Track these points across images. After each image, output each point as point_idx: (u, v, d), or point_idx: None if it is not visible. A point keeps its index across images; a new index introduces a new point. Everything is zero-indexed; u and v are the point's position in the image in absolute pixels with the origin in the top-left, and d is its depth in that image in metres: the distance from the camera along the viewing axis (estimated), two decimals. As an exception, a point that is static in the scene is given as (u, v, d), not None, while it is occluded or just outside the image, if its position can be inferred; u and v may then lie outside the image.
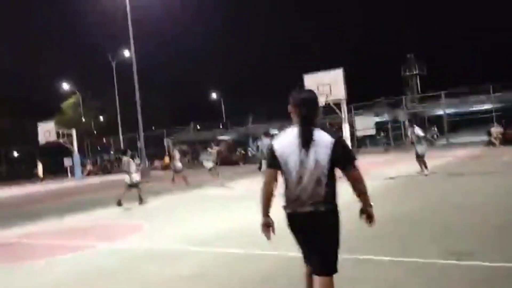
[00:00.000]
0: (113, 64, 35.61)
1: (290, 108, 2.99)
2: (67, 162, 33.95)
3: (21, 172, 42.29)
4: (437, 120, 30.72)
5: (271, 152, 2.96)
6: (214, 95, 56.81)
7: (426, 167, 11.87)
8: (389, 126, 29.93)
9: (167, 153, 37.19)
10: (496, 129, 22.07)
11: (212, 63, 71.71)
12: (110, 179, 27.01)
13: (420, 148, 11.87)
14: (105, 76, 39.48)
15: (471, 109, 29.75)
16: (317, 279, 2.90)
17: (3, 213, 13.32)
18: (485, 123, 25.99)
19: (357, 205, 3.02)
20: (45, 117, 38.38)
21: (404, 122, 28.59)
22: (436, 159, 16.75)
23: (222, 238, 6.54)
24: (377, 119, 29.65)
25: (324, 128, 2.89)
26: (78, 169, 29.98)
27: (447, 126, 27.47)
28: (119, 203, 11.26)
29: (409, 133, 13.05)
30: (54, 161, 38.51)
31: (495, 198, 7.83)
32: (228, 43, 72.52)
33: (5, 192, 23.79)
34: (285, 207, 2.97)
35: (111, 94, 37.40)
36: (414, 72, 48.87)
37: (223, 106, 54.76)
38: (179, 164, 17.01)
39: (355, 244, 5.37)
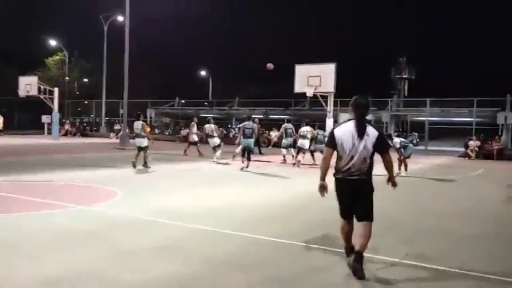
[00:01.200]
0: (105, 28, 34.79)
1: (350, 108, 4.34)
2: (45, 119, 33.26)
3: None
4: (419, 126, 31.14)
5: (332, 136, 4.31)
6: (203, 73, 56.24)
7: (400, 168, 12.37)
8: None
9: (149, 123, 36.89)
10: (474, 142, 22.54)
11: (205, 42, 70.71)
12: (87, 142, 26.70)
13: (405, 150, 12.61)
14: (95, 38, 38.52)
15: (453, 119, 30.22)
16: (362, 224, 4.20)
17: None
18: (464, 134, 26.50)
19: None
20: (28, 70, 37.46)
21: (386, 123, 28.88)
22: (413, 164, 17.05)
23: (195, 214, 6.56)
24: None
25: (372, 125, 4.26)
26: (56, 127, 29.40)
27: (428, 133, 27.89)
28: (134, 165, 11.94)
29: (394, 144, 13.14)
30: (33, 116, 37.70)
31: (463, 206, 8.04)
32: (224, 26, 71.50)
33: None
34: (336, 174, 4.30)
35: (98, 58, 36.61)
36: (404, 76, 49.25)
37: (210, 85, 54.29)
38: (194, 136, 17.25)
39: (326, 236, 5.48)
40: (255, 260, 4.51)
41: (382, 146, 4.28)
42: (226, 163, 14.51)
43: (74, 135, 34.67)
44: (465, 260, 4.68)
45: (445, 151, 25.18)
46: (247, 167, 12.76)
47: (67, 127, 36.11)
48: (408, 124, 32.69)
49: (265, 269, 4.25)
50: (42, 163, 11.21)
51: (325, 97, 20.89)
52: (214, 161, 14.69)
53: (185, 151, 17.24)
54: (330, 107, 20.92)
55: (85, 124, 40.07)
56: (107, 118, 38.27)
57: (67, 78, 45.23)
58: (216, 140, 15.28)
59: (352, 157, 4.18)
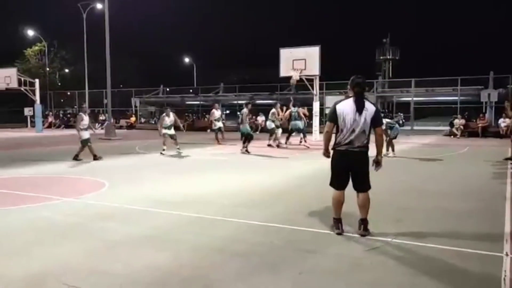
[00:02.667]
0: (84, 16, 34.02)
1: (348, 87, 4.76)
2: (27, 111, 32.66)
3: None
4: (404, 106, 31.33)
5: (334, 111, 4.71)
6: (186, 60, 55.65)
7: (388, 149, 12.35)
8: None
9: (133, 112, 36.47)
10: (459, 121, 22.77)
11: (188, 29, 69.84)
12: (72, 133, 26.27)
13: (392, 132, 12.46)
14: (74, 28, 37.69)
15: (438, 98, 30.46)
16: (362, 195, 4.72)
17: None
18: (449, 113, 26.76)
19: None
20: (6, 62, 36.54)
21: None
22: (400, 144, 17.18)
23: (185, 202, 6.50)
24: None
25: (370, 101, 4.75)
26: (39, 120, 28.91)
27: (413, 113, 28.08)
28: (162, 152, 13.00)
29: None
30: (13, 109, 36.93)
31: (451, 184, 8.11)
32: (206, 11, 70.57)
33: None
34: (337, 147, 4.72)
35: (79, 47, 35.86)
36: (388, 57, 49.40)
37: (194, 72, 53.80)
38: (219, 123, 17.68)
39: (315, 219, 5.47)
40: (247, 246, 4.47)
41: (377, 119, 4.74)
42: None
43: (58, 127, 34.17)
44: (452, 237, 4.71)
45: (431, 131, 25.43)
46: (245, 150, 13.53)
47: (50, 119, 35.56)
48: (393, 104, 32.86)
49: (258, 254, 4.21)
50: (26, 157, 11.00)
51: (311, 81, 20.80)
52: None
53: (216, 138, 17.71)
54: (316, 90, 20.87)
55: (69, 116, 39.46)
56: (91, 108, 37.74)
57: (47, 69, 44.32)
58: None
59: (353, 130, 4.61)
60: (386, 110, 33.84)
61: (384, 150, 12.08)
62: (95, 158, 11.72)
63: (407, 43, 55.95)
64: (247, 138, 13.75)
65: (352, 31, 65.90)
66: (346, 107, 4.67)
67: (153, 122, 36.08)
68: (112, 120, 24.29)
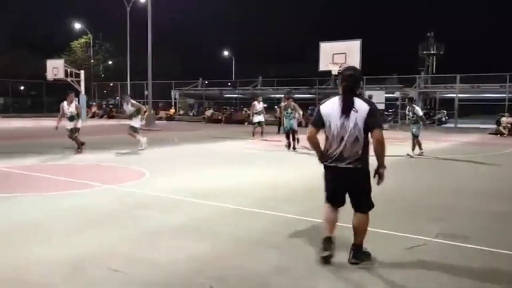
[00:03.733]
0: (128, 9, 34.85)
1: (339, 82, 3.80)
2: (73, 102, 33.88)
3: (26, 106, 42.41)
4: (448, 103, 30.29)
5: (318, 114, 3.76)
6: (225, 53, 56.02)
7: (420, 147, 11.55)
8: (399, 103, 29.57)
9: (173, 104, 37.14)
10: (507, 119, 21.80)
11: (228, 22, 70.19)
12: (114, 123, 27.11)
13: (416, 128, 11.52)
14: (118, 21, 38.71)
15: (484, 95, 29.24)
16: (356, 214, 3.77)
17: (8, 145, 13.40)
18: (496, 111, 25.65)
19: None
20: (55, 54, 38.04)
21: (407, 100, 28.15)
22: (441, 142, 16.66)
23: (222, 193, 6.57)
24: (387, 95, 29.25)
25: (362, 98, 3.67)
26: (83, 110, 29.95)
27: (457, 110, 27.10)
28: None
29: (407, 111, 12.25)
30: (61, 99, 38.43)
31: (494, 184, 7.79)
32: (246, 4, 70.59)
33: (11, 124, 23.92)
34: (326, 161, 3.75)
35: (122, 40, 36.81)
36: (432, 52, 47.82)
37: (233, 66, 54.09)
38: (259, 117, 16.84)
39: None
40: (283, 238, 4.47)
41: (373, 121, 3.57)
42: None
43: (101, 117, 35.30)
44: (496, 239, 4.53)
45: (476, 129, 24.47)
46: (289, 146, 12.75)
47: (94, 109, 36.76)
48: (436, 101, 31.82)
49: (293, 247, 4.21)
50: (71, 145, 11.44)
51: (350, 75, 20.41)
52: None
53: (261, 132, 16.81)
54: (355, 85, 20.46)
55: (111, 106, 40.67)
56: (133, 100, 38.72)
57: (92, 60, 45.79)
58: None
59: (342, 139, 3.61)
60: (428, 107, 32.84)
61: (416, 150, 11.40)
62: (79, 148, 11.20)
63: (453, 37, 53.88)
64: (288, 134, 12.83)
65: (394, 24, 64.19)
66: (333, 107, 3.67)
67: (191, 114, 36.66)
68: (152, 111, 24.83)
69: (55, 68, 29.02)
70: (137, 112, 12.05)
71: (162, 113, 34.52)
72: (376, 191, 3.78)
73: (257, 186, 7.25)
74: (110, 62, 50.41)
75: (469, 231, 4.80)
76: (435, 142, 15.94)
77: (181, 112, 37.44)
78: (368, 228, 3.83)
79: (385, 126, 27.00)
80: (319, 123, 3.74)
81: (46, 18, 53.94)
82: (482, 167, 10.34)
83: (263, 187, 7.18)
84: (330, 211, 3.84)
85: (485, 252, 4.14)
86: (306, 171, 9.20)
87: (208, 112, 32.87)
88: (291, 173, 8.80)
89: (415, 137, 11.56)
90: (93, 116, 34.85)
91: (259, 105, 16.83)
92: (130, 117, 12.14)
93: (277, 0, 73.57)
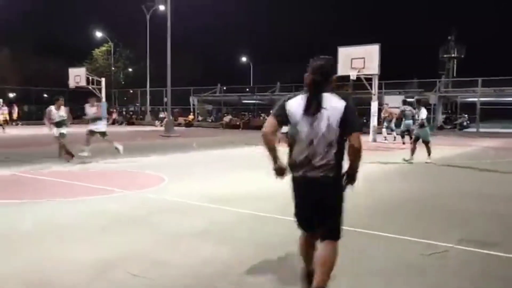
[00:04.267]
0: (147, 17, 35.46)
1: (306, 76, 3.00)
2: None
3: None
4: (469, 107, 29.78)
5: (282, 106, 3.00)
6: (243, 59, 56.31)
7: (429, 154, 10.93)
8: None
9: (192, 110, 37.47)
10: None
11: (245, 28, 70.58)
12: (134, 130, 27.51)
13: (423, 132, 10.97)
14: (138, 28, 39.43)
15: (507, 99, 28.66)
16: (323, 244, 3.01)
17: (32, 151, 13.72)
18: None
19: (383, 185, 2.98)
20: (76, 61, 38.84)
21: (433, 105, 27.76)
22: (462, 147, 16.38)
23: (242, 198, 6.60)
24: (407, 99, 28.93)
25: (336, 93, 2.96)
26: (104, 117, 30.47)
27: (479, 115, 26.61)
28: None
29: (416, 114, 11.48)
30: (81, 106, 39.21)
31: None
32: (263, 11, 70.95)
33: (35, 131, 24.49)
34: (292, 170, 3.04)
35: (142, 47, 37.44)
36: (453, 55, 47.13)
37: (251, 71, 54.33)
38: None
39: (368, 219, 5.36)
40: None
41: (351, 122, 2.88)
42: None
43: (121, 123, 35.83)
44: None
45: (499, 133, 24.00)
46: None
47: (114, 116, 37.35)
48: (457, 105, 31.33)
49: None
50: (92, 151, 11.64)
51: (369, 80, 20.38)
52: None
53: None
54: (374, 90, 20.42)
55: (131, 113, 41.27)
56: (152, 106, 39.26)
57: (113, 68, 46.63)
58: None
59: (311, 142, 2.92)
60: (449, 111, 32.33)
61: (425, 158, 10.55)
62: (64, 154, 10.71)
63: (474, 40, 53.02)
64: None
65: (415, 28, 63.54)
66: (298, 105, 2.95)
67: (210, 120, 36.92)
68: (171, 117, 25.09)
69: (77, 76, 29.62)
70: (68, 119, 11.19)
71: (180, 119, 34.86)
72: (396, 196, 3.74)
73: (277, 192, 7.23)
74: (130, 69, 51.26)
75: (490, 238, 4.71)
76: (457, 147, 15.70)
77: (200, 118, 37.75)
78: (384, 234, 3.59)
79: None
80: (284, 118, 2.97)
81: (69, 27, 55.21)
82: (505, 172, 10.12)
83: (283, 193, 7.16)
84: (304, 239, 3.19)
85: (508, 260, 4.06)
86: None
87: (227, 118, 33.06)
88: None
89: (425, 143, 10.93)
90: (113, 123, 35.40)
91: None
92: (94, 120, 11.57)
93: (295, 5, 73.68)
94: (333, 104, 2.90)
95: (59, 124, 10.84)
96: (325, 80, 2.97)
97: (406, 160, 10.80)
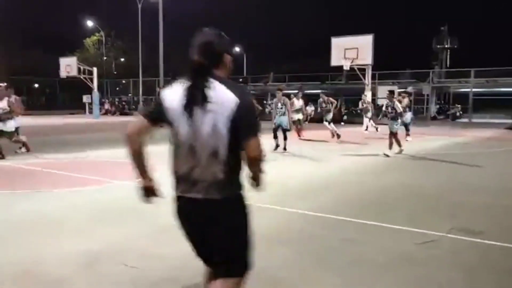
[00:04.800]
0: (139, 6, 35.04)
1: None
2: (86, 99, 34.30)
3: (40, 103, 43.01)
4: (462, 98, 29.90)
5: (158, 103, 2.19)
6: (237, 49, 55.99)
7: (399, 145, 10.55)
8: (412, 98, 29.27)
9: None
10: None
11: (238, 18, 70.14)
12: (126, 120, 27.29)
13: (394, 124, 10.63)
14: (130, 18, 38.98)
15: (500, 89, 28.80)
16: (218, 283, 2.23)
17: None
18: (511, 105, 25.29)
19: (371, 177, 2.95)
20: (67, 51, 38.44)
21: (427, 95, 27.82)
22: (455, 137, 16.45)
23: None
24: (400, 90, 28.99)
25: (228, 83, 2.09)
26: (96, 106, 30.25)
27: (472, 105, 26.74)
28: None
29: (385, 106, 11.08)
30: (74, 96, 38.96)
31: (506, 181, 7.67)
32: (258, 0, 70.42)
33: (27, 122, 24.22)
34: (173, 189, 2.30)
35: (134, 37, 37.09)
36: (446, 45, 47.16)
37: (245, 61, 54.06)
38: (297, 115, 14.31)
39: (361, 210, 5.36)
40: (295, 234, 4.46)
41: (246, 124, 2.07)
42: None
43: (114, 114, 35.60)
44: (508, 234, 4.47)
45: (491, 123, 24.14)
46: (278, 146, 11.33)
47: (107, 106, 37.09)
48: (450, 95, 31.45)
49: (303, 242, 4.20)
50: (85, 141, 11.55)
51: (362, 70, 20.36)
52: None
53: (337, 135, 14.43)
54: (368, 80, 20.44)
55: (123, 103, 41.02)
56: (145, 96, 39.03)
57: (104, 58, 46.20)
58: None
59: (191, 149, 2.14)
60: (442, 102, 32.44)
61: (388, 151, 10.26)
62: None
63: (467, 31, 53.07)
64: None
65: (408, 18, 63.50)
66: (175, 99, 2.13)
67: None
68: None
69: (68, 65, 29.35)
70: (10, 112, 9.56)
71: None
72: (387, 187, 3.73)
73: (270, 183, 7.22)
74: (122, 59, 50.81)
75: (482, 227, 4.73)
76: (450, 138, 15.78)
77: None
78: (379, 224, 3.58)
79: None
80: (158, 115, 2.20)
81: (59, 16, 54.53)
82: (497, 162, 10.17)
83: (276, 184, 7.14)
84: (206, 272, 2.46)
85: (499, 248, 4.07)
86: (319, 167, 9.16)
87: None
88: (306, 170, 8.76)
89: (392, 134, 10.52)
90: (105, 113, 35.16)
91: (298, 102, 14.40)
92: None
93: (288, -5, 73.25)
94: (223, 98, 2.04)
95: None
96: (212, 62, 2.11)
97: (397, 152, 10.58)
